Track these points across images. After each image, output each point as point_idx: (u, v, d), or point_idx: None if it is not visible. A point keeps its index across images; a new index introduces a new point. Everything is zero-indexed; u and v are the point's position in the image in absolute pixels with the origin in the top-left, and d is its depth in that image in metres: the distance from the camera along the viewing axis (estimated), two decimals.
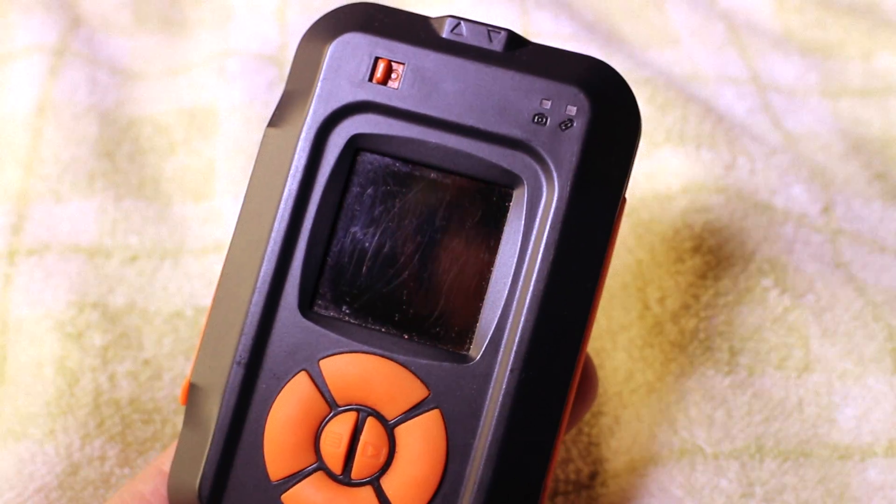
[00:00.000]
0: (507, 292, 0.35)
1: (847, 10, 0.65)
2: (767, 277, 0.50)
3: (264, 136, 0.37)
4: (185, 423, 0.36)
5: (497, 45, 0.36)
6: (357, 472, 0.35)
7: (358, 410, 0.35)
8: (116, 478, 0.46)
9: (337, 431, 0.35)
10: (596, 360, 0.49)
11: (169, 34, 0.63)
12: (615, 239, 0.36)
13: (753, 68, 0.62)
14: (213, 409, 0.35)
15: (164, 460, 0.39)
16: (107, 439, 0.46)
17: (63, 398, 0.47)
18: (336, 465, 0.35)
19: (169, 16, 0.64)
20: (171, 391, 0.48)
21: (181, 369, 0.49)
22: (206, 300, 0.51)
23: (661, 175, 0.54)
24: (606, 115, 0.36)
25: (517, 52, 0.36)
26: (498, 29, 0.37)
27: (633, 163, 0.37)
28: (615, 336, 0.50)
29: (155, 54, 0.62)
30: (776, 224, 0.53)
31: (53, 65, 0.59)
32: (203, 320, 0.50)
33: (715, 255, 0.51)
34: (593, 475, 0.47)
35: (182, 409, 0.47)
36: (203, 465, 0.35)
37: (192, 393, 0.36)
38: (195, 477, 0.35)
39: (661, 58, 0.62)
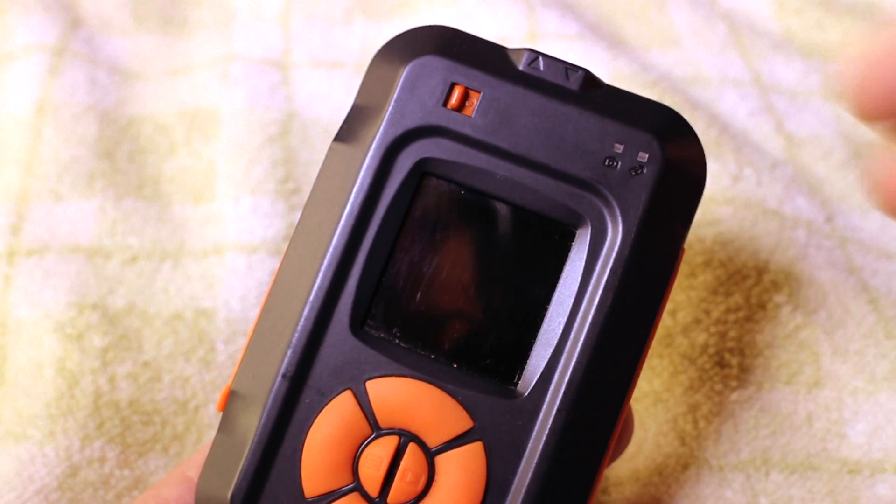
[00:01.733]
0: (561, 331, 0.34)
1: (847, 11, 0.64)
2: (780, 293, 0.50)
3: (330, 149, 0.36)
4: (221, 429, 0.35)
5: (574, 83, 0.36)
6: (394, 497, 0.34)
7: (400, 435, 0.34)
8: (116, 479, 0.45)
9: (377, 454, 0.34)
10: None
11: (169, 34, 0.62)
12: (671, 289, 0.36)
13: (755, 70, 0.61)
14: (253, 420, 0.34)
15: (189, 465, 0.37)
16: (106, 441, 0.45)
17: (63, 400, 0.46)
18: (373, 488, 0.34)
19: (169, 15, 0.62)
20: (170, 393, 0.47)
21: (181, 371, 0.48)
22: (206, 303, 0.50)
23: None
24: (676, 165, 0.35)
25: (592, 92, 0.36)
26: (576, 68, 0.36)
27: (694, 214, 0.36)
28: None
29: (155, 54, 0.61)
30: (787, 229, 0.52)
31: (53, 65, 0.57)
32: (208, 317, 0.49)
33: (726, 269, 0.50)
34: None
35: (183, 412, 0.46)
36: (238, 474, 0.34)
37: (232, 400, 0.35)
38: (228, 486, 0.34)
39: (663, 59, 0.61)
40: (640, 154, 0.35)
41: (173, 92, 0.58)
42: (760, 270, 0.50)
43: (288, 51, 0.60)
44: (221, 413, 0.36)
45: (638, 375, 0.35)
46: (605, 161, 0.35)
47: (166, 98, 0.58)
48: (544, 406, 0.34)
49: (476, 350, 0.35)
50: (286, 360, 0.34)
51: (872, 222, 0.55)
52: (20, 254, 0.50)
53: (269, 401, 0.34)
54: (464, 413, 0.34)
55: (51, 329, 0.48)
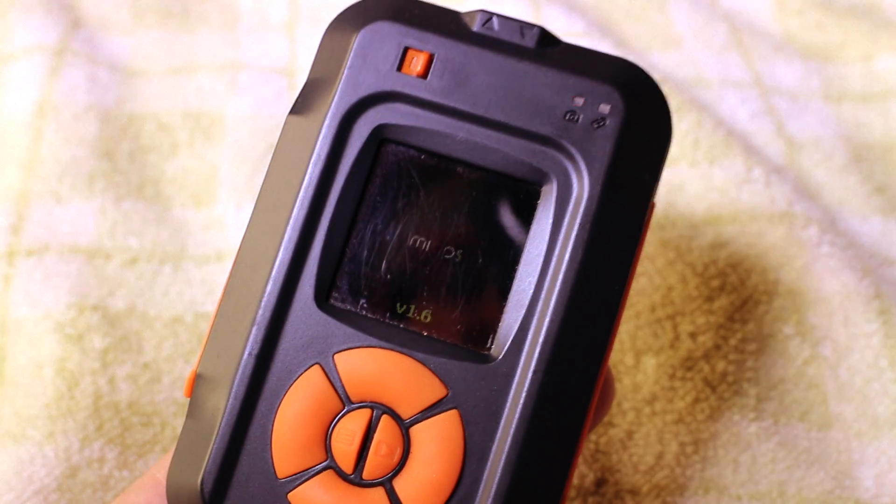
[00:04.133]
0: (532, 292, 0.32)
1: (847, 11, 0.63)
2: (788, 323, 0.49)
3: (286, 123, 0.34)
4: (189, 415, 0.33)
5: (529, 41, 0.34)
6: (369, 471, 0.32)
7: (372, 408, 0.32)
8: (115, 480, 0.44)
9: (350, 428, 0.32)
10: (615, 373, 0.47)
11: (169, 29, 0.61)
12: (643, 243, 0.33)
13: (756, 71, 0.60)
14: (221, 402, 0.32)
15: (159, 468, 0.36)
16: (106, 442, 0.44)
17: (63, 400, 0.45)
18: (347, 463, 0.32)
19: (168, 8, 0.61)
20: (170, 394, 0.46)
21: (181, 373, 0.47)
22: (207, 307, 0.50)
23: (680, 196, 0.52)
24: (639, 116, 0.33)
25: (549, 49, 0.34)
26: (531, 25, 0.34)
27: (663, 166, 0.34)
28: (640, 355, 0.48)
29: (156, 51, 0.60)
30: (798, 228, 0.51)
31: (53, 65, 0.56)
32: (208, 321, 0.47)
33: (739, 294, 0.50)
34: (600, 482, 0.45)
35: (182, 414, 0.45)
36: (207, 459, 0.32)
37: (199, 384, 0.33)
38: (198, 472, 0.32)
39: (663, 60, 0.60)
40: (602, 106, 0.33)
41: (176, 91, 0.57)
42: (771, 294, 0.50)
43: (294, 58, 0.59)
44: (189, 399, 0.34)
45: (615, 333, 0.33)
46: (565, 115, 0.33)
47: (169, 97, 0.57)
48: (519, 369, 0.32)
49: (446, 316, 0.33)
50: (251, 337, 0.32)
51: (873, 227, 0.54)
52: (20, 254, 0.49)
53: (236, 381, 0.32)
54: (437, 381, 0.32)
55: (51, 329, 0.47)
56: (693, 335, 0.49)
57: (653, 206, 0.34)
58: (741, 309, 0.49)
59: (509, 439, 0.32)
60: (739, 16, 0.64)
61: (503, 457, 0.31)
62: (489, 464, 0.32)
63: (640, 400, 0.47)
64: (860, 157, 0.57)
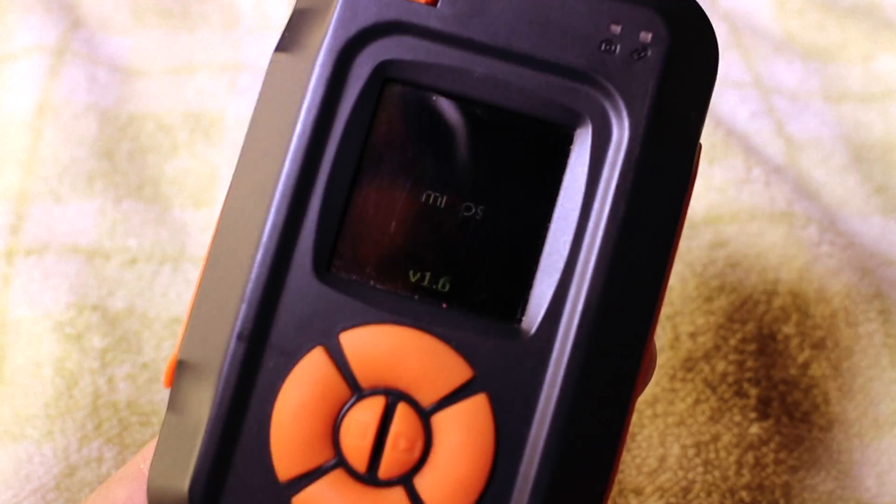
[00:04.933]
0: (567, 253, 0.26)
1: (847, 12, 0.61)
2: (788, 323, 0.47)
3: (271, 62, 0.27)
4: (171, 409, 0.27)
5: None
6: (385, 469, 0.26)
7: (387, 395, 0.26)
8: None
9: (361, 420, 0.26)
10: None
11: (169, 28, 0.58)
12: (691, 192, 0.27)
13: (756, 71, 0.58)
14: (207, 393, 0.26)
15: (143, 457, 0.30)
16: (104, 441, 0.43)
17: (62, 399, 0.43)
18: (360, 461, 0.26)
19: (168, 8, 0.59)
20: (168, 394, 0.42)
21: None
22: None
23: None
24: (684, 45, 0.27)
25: None
26: None
27: (709, 103, 0.28)
28: None
29: (156, 51, 0.57)
30: (798, 228, 0.49)
31: (53, 65, 0.55)
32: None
33: (739, 294, 0.48)
34: None
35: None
36: (194, 462, 0.25)
37: (180, 373, 0.27)
38: (184, 477, 0.26)
39: None
40: (642, 34, 0.26)
41: (176, 91, 0.55)
42: (770, 294, 0.48)
43: None
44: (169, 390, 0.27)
45: (662, 298, 0.26)
46: (601, 45, 0.26)
47: (169, 97, 0.55)
48: (556, 344, 0.26)
49: (468, 284, 0.27)
50: (240, 317, 0.26)
51: (873, 227, 0.53)
52: (19, 253, 0.48)
53: (225, 368, 0.26)
54: (460, 361, 0.26)
55: (50, 329, 0.45)
56: (693, 335, 0.47)
57: (699, 148, 0.28)
58: (741, 309, 0.47)
59: (547, 426, 0.25)
60: (739, 16, 0.61)
61: (541, 447, 0.25)
62: (525, 455, 0.25)
63: (641, 402, 0.45)
64: (860, 158, 0.55)
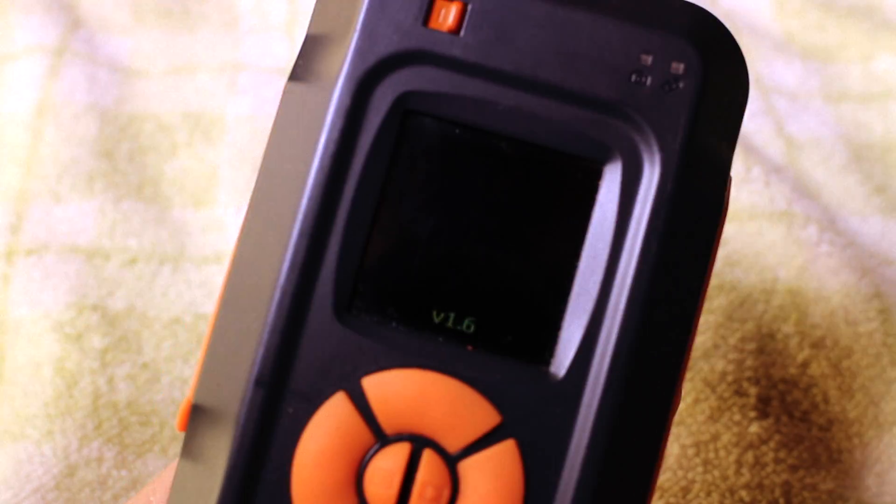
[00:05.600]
0: (597, 293, 0.25)
1: (847, 12, 0.61)
2: (787, 322, 0.46)
3: (285, 92, 0.26)
4: (185, 455, 0.25)
5: None
6: None
7: (412, 441, 0.25)
8: (113, 479, 0.42)
9: (386, 468, 0.24)
10: None
11: (169, 28, 0.58)
12: (723, 228, 0.26)
13: (756, 71, 0.57)
14: (224, 440, 0.25)
15: (151, 489, 0.29)
16: (104, 441, 0.42)
17: (61, 399, 0.43)
18: None
19: (168, 8, 0.59)
20: (169, 394, 0.44)
21: (179, 373, 0.45)
22: (206, 308, 0.47)
23: None
24: (717, 75, 0.25)
25: None
26: None
27: (739, 132, 0.27)
28: None
29: (156, 51, 0.57)
30: (797, 228, 0.48)
31: (53, 65, 0.54)
32: (207, 322, 0.43)
33: (738, 293, 0.47)
34: None
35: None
36: None
37: (195, 417, 0.25)
38: None
39: None
40: (674, 64, 0.25)
41: (176, 92, 0.55)
42: (770, 293, 0.47)
43: (294, 58, 0.56)
44: (183, 434, 0.26)
45: (694, 337, 0.25)
46: (631, 76, 0.25)
47: (169, 97, 0.54)
48: (587, 389, 0.24)
49: (494, 326, 0.25)
50: (258, 362, 0.24)
51: (873, 227, 0.52)
52: (19, 253, 0.48)
53: (243, 415, 0.24)
54: (488, 405, 0.24)
55: (50, 329, 0.45)
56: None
57: (730, 181, 0.26)
58: (740, 308, 0.47)
59: (577, 473, 0.24)
60: (739, 16, 0.61)
61: (571, 494, 0.24)
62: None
63: None
64: (860, 158, 0.54)
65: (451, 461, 0.25)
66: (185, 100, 0.54)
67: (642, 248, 0.25)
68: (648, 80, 0.25)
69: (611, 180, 0.26)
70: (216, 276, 0.48)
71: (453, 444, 0.25)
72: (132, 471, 0.42)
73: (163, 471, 0.32)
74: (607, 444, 0.25)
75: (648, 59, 0.25)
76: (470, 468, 0.25)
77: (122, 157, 0.51)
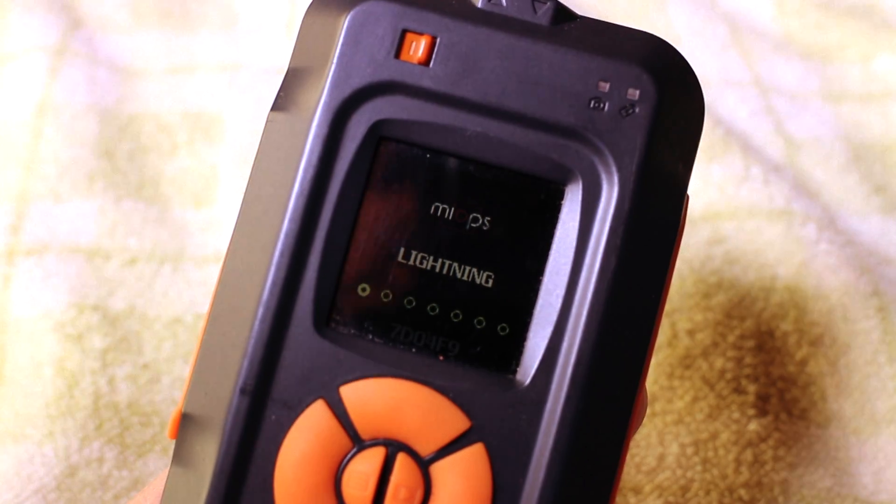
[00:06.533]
0: (560, 306, 0.27)
1: (847, 12, 0.61)
2: (786, 320, 0.46)
3: (268, 121, 0.28)
4: (175, 461, 0.27)
5: (543, 18, 0.28)
6: None
7: (387, 445, 0.26)
8: (114, 480, 0.42)
9: (362, 471, 0.26)
10: None
11: (169, 28, 0.58)
12: (680, 243, 0.28)
13: (755, 71, 0.57)
14: (212, 446, 0.26)
15: (143, 497, 0.31)
16: (105, 441, 0.42)
17: (62, 400, 0.43)
18: None
19: (168, 9, 0.59)
20: (169, 394, 0.44)
21: (180, 373, 0.45)
22: (206, 308, 0.44)
23: None
24: (672, 100, 0.27)
25: (566, 25, 0.28)
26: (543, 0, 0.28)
27: (695, 153, 0.28)
28: None
29: (156, 51, 0.57)
30: (797, 226, 0.49)
31: (53, 65, 0.54)
32: (200, 325, 0.44)
33: (737, 291, 0.47)
34: None
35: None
36: None
37: (185, 425, 0.27)
38: None
39: None
40: (630, 91, 0.27)
41: (176, 91, 0.55)
42: (768, 291, 0.47)
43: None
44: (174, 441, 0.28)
45: (653, 346, 0.27)
46: (589, 103, 0.27)
47: (169, 97, 0.54)
48: (550, 395, 0.26)
49: (464, 337, 0.27)
50: (243, 372, 0.26)
51: (873, 226, 0.52)
52: (20, 253, 0.47)
53: (228, 422, 0.26)
54: (458, 412, 0.26)
55: (50, 329, 0.45)
56: (691, 332, 0.46)
57: (687, 199, 0.28)
58: (739, 306, 0.47)
59: (543, 473, 0.26)
60: (739, 16, 0.61)
61: (536, 494, 0.26)
62: (522, 502, 0.26)
63: None
64: (859, 157, 0.55)
65: (424, 464, 0.27)
66: (184, 100, 0.54)
67: (602, 264, 0.27)
68: (606, 106, 0.27)
69: (572, 200, 0.27)
70: (216, 276, 0.46)
71: (425, 448, 0.27)
72: (133, 471, 0.42)
73: (154, 479, 0.33)
74: (570, 446, 0.26)
75: (606, 86, 0.27)
76: (441, 470, 0.26)
77: (123, 157, 0.52)
